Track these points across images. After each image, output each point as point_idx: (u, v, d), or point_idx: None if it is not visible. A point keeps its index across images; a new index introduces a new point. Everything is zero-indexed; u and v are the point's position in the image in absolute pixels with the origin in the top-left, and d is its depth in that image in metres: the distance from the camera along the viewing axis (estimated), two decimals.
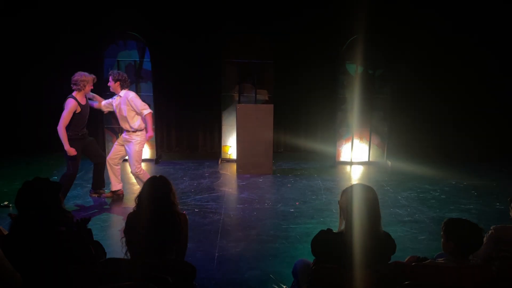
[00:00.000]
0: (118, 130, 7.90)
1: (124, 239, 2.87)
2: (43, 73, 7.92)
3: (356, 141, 8.05)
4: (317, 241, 2.61)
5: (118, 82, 5.32)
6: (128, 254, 2.82)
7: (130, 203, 5.39)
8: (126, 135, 5.51)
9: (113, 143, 7.91)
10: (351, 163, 8.07)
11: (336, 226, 2.71)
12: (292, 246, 4.35)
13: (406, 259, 2.90)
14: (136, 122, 5.41)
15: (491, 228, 3.02)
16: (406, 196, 6.12)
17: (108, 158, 5.68)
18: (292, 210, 5.47)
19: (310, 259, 2.76)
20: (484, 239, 2.70)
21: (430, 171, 7.36)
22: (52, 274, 2.32)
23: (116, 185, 5.74)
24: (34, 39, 7.87)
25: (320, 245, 2.60)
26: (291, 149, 8.91)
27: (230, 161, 8.03)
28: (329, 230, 2.62)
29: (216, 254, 4.12)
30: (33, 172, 6.85)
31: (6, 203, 5.31)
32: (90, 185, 5.92)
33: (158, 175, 3.05)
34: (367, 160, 8.10)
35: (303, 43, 8.26)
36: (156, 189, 2.91)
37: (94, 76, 5.30)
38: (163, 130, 8.58)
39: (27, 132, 8.28)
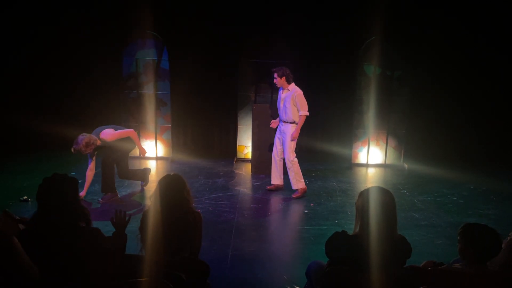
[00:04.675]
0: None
1: (139, 236, 2.91)
2: (64, 72, 8.07)
3: (373, 143, 7.98)
4: (331, 242, 2.59)
5: (284, 78, 5.75)
6: (143, 251, 2.85)
7: (147, 201, 5.46)
8: (282, 125, 5.93)
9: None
10: (367, 165, 7.99)
11: (351, 228, 2.69)
12: (306, 247, 4.34)
13: (422, 264, 2.86)
14: (292, 116, 5.81)
15: (510, 234, 2.94)
16: (422, 199, 6.03)
17: (274, 153, 6.06)
18: (307, 211, 5.45)
19: (324, 260, 2.75)
20: (503, 245, 2.64)
21: (448, 175, 7.24)
22: (69, 269, 2.36)
23: (276, 179, 6.11)
24: (60, 41, 7.98)
25: (334, 247, 2.58)
26: (306, 150, 8.86)
27: (245, 160, 8.03)
28: (344, 232, 2.61)
29: (230, 253, 4.13)
30: (52, 167, 6.98)
31: (25, 197, 5.41)
32: None
33: (172, 173, 3.07)
34: (383, 162, 8.02)
35: (320, 43, 8.20)
36: (170, 187, 2.94)
37: None
38: (179, 129, 8.64)
39: (48, 128, 8.41)
